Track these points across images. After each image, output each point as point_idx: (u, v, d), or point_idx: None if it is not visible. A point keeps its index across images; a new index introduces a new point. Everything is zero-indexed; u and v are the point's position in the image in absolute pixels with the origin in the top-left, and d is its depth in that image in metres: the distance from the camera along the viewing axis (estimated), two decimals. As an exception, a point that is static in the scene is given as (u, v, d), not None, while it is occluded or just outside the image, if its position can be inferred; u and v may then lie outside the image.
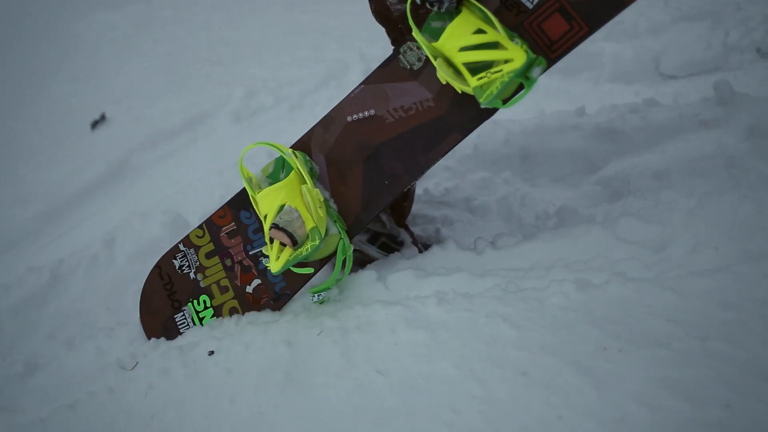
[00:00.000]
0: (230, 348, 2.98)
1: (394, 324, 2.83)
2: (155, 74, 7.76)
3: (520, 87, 3.01)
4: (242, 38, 7.34)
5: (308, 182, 3.14)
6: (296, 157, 3.25)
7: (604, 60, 5.51)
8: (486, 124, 4.13)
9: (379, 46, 6.22)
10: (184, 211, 4.74)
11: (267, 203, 3.13)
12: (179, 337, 3.26)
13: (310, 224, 3.03)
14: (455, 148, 3.38)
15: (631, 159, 4.65)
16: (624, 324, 2.63)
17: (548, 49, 3.03)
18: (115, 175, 6.55)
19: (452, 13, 3.10)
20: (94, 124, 7.73)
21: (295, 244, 3.01)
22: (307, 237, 3.03)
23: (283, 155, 3.24)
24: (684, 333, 2.55)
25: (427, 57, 3.21)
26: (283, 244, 3.02)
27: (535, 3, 3.06)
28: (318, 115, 5.62)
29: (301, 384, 2.71)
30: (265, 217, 3.12)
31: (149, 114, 6.85)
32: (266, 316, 3.18)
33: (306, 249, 2.99)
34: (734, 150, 4.14)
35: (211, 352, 2.99)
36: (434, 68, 3.17)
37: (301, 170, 3.17)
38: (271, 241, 3.06)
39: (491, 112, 3.13)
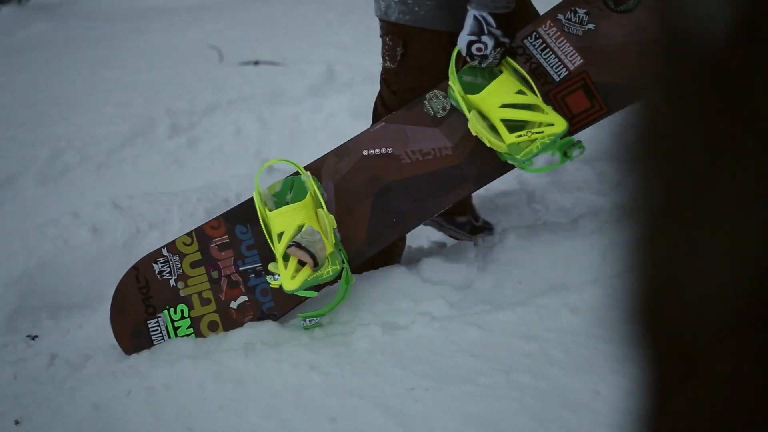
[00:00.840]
0: (36, 414, 2.88)
1: (203, 379, 2.79)
2: (-43, 139, 7.50)
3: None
4: (47, 98, 7.17)
5: (323, 206, 3.16)
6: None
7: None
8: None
9: (185, 100, 6.17)
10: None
11: (283, 221, 3.12)
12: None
13: (329, 248, 3.06)
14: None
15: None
16: (430, 363, 2.66)
17: (568, 121, 3.15)
18: None
19: (484, 71, 3.25)
20: None
21: (315, 265, 3.01)
22: (327, 261, 3.04)
23: (302, 176, 3.26)
24: (489, 368, 2.59)
25: (451, 107, 3.31)
26: (301, 263, 3.02)
27: (561, 77, 3.26)
28: (126, 172, 5.53)
29: (110, 449, 2.65)
30: (281, 234, 3.09)
31: (-49, 181, 6.62)
32: (72, 380, 3.09)
33: (327, 272, 3.02)
34: (534, 185, 4.25)
35: (17, 422, 2.89)
36: (457, 119, 3.29)
37: (318, 193, 3.20)
38: (285, 258, 3.05)
39: (506, 167, 3.27)
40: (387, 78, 3.43)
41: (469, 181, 3.28)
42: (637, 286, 0.55)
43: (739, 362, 0.49)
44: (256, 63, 6.81)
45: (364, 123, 5.60)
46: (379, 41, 3.41)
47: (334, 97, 5.92)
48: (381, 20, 3.34)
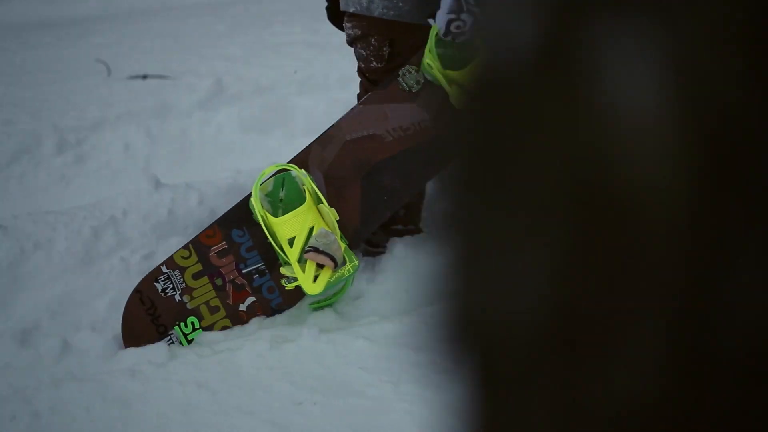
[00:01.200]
0: None
1: (89, 402, 2.75)
2: None
3: None
4: (-70, 116, 7.02)
5: (324, 202, 3.17)
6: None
7: (297, 114, 5.58)
8: (180, 188, 4.09)
9: (72, 116, 6.07)
10: None
11: (292, 227, 3.12)
12: None
13: (342, 245, 3.09)
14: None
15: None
16: (318, 377, 2.65)
17: None
18: None
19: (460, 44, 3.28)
20: None
21: (335, 266, 3.03)
22: (344, 259, 3.07)
23: (299, 175, 3.28)
24: (377, 379, 2.60)
25: (425, 80, 3.38)
26: (319, 266, 3.03)
27: None
28: (11, 191, 5.42)
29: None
30: (291, 240, 3.10)
31: None
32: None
33: (348, 270, 3.06)
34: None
35: None
36: (432, 91, 3.37)
37: (317, 191, 3.20)
38: (299, 260, 3.07)
39: None
40: (376, 79, 3.46)
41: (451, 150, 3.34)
42: (452, 306, 0.55)
43: (550, 378, 0.50)
44: (145, 77, 6.73)
45: (255, 135, 5.60)
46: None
47: (223, 109, 5.86)
48: (362, 16, 3.32)
